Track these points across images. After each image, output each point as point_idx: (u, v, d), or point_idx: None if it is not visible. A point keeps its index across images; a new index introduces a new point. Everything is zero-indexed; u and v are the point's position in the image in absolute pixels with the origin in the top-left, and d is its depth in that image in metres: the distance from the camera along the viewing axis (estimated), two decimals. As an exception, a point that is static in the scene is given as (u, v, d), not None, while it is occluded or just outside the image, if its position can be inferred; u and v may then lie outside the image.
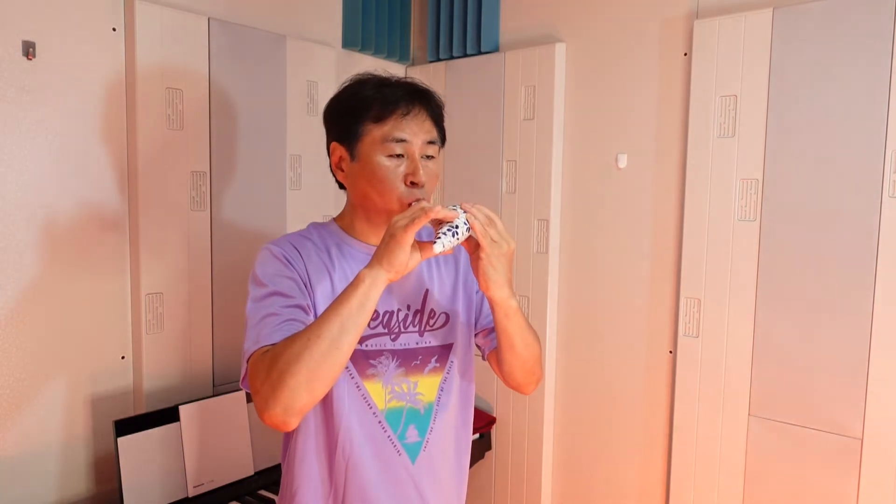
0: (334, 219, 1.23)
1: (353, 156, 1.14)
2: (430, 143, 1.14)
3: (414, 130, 1.12)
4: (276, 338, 1.01)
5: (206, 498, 1.68)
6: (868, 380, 1.61)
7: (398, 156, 1.11)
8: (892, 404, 1.58)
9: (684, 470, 1.91)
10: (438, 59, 2.42)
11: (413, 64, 2.53)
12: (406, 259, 0.98)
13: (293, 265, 1.11)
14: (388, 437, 1.15)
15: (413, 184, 1.11)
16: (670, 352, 1.96)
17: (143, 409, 1.71)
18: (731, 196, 1.79)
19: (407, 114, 1.12)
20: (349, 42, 2.26)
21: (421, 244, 1.01)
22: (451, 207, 1.01)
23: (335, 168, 1.19)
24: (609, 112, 2.06)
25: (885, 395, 1.59)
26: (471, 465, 2.27)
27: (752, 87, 1.74)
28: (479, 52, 2.31)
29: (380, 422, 1.14)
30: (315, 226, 1.22)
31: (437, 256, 1.23)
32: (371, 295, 0.98)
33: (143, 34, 1.66)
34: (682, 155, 1.91)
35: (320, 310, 1.10)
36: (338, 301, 0.98)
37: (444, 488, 1.23)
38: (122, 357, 1.72)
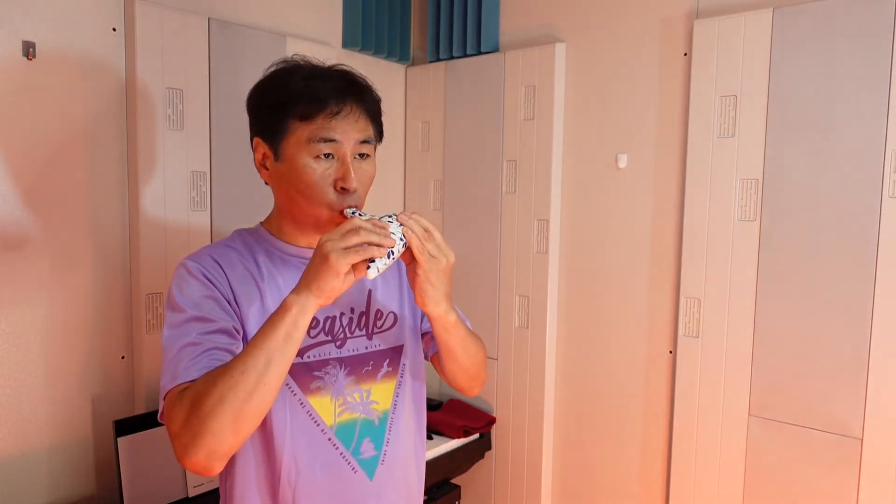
0: (262, 223, 1.14)
1: (276, 155, 1.04)
2: (364, 142, 1.03)
3: (345, 129, 1.00)
4: (195, 373, 0.91)
5: (205, 498, 1.68)
6: (868, 380, 1.61)
7: (327, 156, 1.00)
8: (892, 404, 1.58)
9: (684, 470, 1.91)
10: (438, 59, 2.42)
11: (413, 64, 2.53)
12: (339, 284, 0.88)
13: (213, 282, 1.01)
14: (341, 454, 1.05)
15: (344, 189, 1.01)
16: (670, 352, 1.96)
17: (143, 409, 1.71)
18: (731, 196, 1.79)
19: (337, 113, 1.00)
20: (349, 42, 2.26)
21: (353, 265, 0.89)
22: (387, 218, 0.93)
23: (259, 166, 1.09)
24: (609, 112, 2.06)
25: (885, 395, 1.59)
26: (471, 465, 2.29)
27: (752, 87, 1.74)
28: (479, 52, 2.31)
29: (329, 439, 1.04)
30: (240, 232, 1.12)
31: None
32: (299, 324, 0.89)
33: (143, 34, 1.66)
34: (682, 155, 1.91)
35: (250, 326, 1.01)
36: (262, 332, 0.89)
37: (406, 500, 1.15)
38: (122, 357, 1.72)
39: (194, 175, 1.79)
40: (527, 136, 2.19)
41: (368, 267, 0.90)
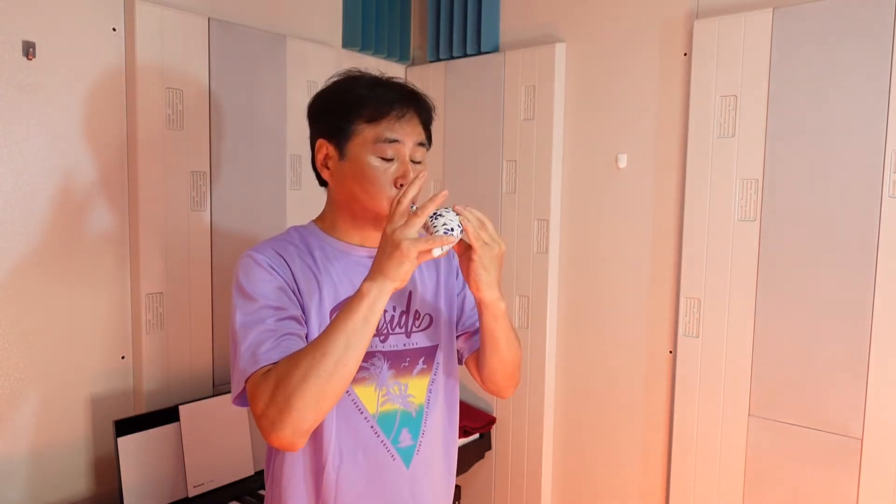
0: (314, 220, 1.21)
1: (341, 154, 1.12)
2: (420, 144, 1.13)
3: (407, 132, 1.10)
4: (276, 356, 0.98)
5: (206, 498, 1.68)
6: (868, 380, 1.61)
7: (388, 158, 1.09)
8: (892, 404, 1.58)
9: (684, 470, 1.91)
10: (438, 59, 2.42)
11: (413, 64, 2.53)
12: (411, 268, 0.96)
13: (279, 273, 1.08)
14: (382, 441, 1.12)
15: (402, 186, 1.08)
16: (670, 352, 1.96)
17: (143, 409, 1.71)
18: (731, 196, 1.79)
19: (402, 117, 1.10)
20: (349, 42, 2.26)
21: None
22: (444, 210, 1.00)
23: (320, 166, 1.16)
24: (609, 112, 2.06)
25: (885, 395, 1.59)
26: (471, 465, 2.29)
27: (752, 87, 1.74)
28: (479, 52, 2.31)
29: (372, 427, 1.11)
30: (296, 229, 1.19)
31: None
32: (376, 308, 0.95)
33: (143, 34, 1.66)
34: (682, 155, 1.91)
35: (310, 316, 1.08)
36: (341, 316, 0.95)
37: (437, 490, 1.21)
38: (122, 357, 1.72)
39: (194, 175, 1.79)
40: (527, 136, 2.19)
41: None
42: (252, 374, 0.98)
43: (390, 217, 0.97)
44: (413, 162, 1.12)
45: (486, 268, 1.02)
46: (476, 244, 1.00)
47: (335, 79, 1.17)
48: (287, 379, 0.93)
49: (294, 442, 0.95)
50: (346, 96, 1.12)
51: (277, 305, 1.04)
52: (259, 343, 1.00)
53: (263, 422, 0.95)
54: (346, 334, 0.94)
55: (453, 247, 1.01)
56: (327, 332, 0.95)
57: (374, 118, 1.09)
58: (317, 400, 0.92)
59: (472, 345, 1.24)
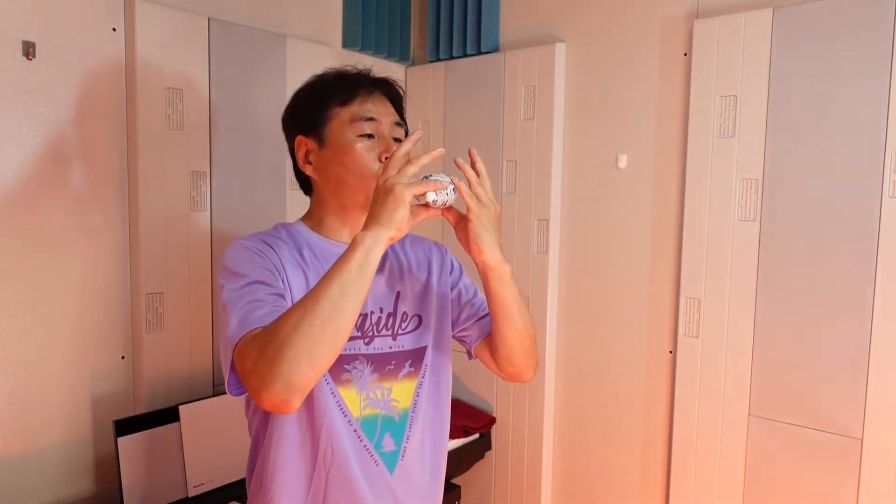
0: (301, 219, 1.19)
1: (321, 142, 1.12)
2: (398, 124, 1.15)
3: (380, 110, 1.13)
4: (267, 320, 0.92)
5: (206, 498, 1.68)
6: (868, 380, 1.61)
7: (368, 136, 1.10)
8: (892, 404, 1.58)
9: (684, 470, 1.91)
10: (438, 59, 2.42)
11: (413, 64, 2.53)
12: (407, 215, 0.93)
13: (268, 256, 1.06)
14: (365, 446, 1.10)
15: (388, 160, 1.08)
16: (670, 352, 1.96)
17: (143, 409, 1.71)
18: (731, 196, 1.79)
19: (371, 94, 1.13)
20: (349, 42, 2.26)
21: (413, 207, 0.96)
22: (436, 174, 0.99)
23: (302, 163, 1.15)
24: (609, 112, 2.06)
25: (885, 395, 1.59)
26: (471, 465, 2.29)
27: (752, 87, 1.74)
28: (479, 52, 2.31)
29: (355, 430, 1.09)
30: (283, 225, 1.17)
31: (408, 260, 1.21)
32: (371, 256, 0.91)
33: (143, 34, 1.66)
34: (682, 155, 1.91)
35: None
36: (335, 266, 0.91)
37: (423, 498, 1.18)
38: (122, 357, 1.72)
39: (194, 175, 1.79)
40: (527, 136, 2.19)
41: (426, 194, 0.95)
42: (241, 339, 0.93)
43: (384, 169, 0.95)
44: (395, 140, 1.12)
45: (484, 227, 1.00)
46: (471, 202, 0.98)
47: (302, 85, 1.20)
48: (277, 331, 0.87)
49: (287, 399, 0.86)
50: (316, 88, 1.15)
51: (266, 282, 1.01)
52: (249, 311, 0.95)
53: (253, 380, 0.88)
54: (340, 282, 0.88)
55: (444, 214, 1.00)
56: (320, 283, 0.90)
57: (345, 99, 1.11)
58: (310, 350, 0.85)
59: (483, 329, 1.20)
